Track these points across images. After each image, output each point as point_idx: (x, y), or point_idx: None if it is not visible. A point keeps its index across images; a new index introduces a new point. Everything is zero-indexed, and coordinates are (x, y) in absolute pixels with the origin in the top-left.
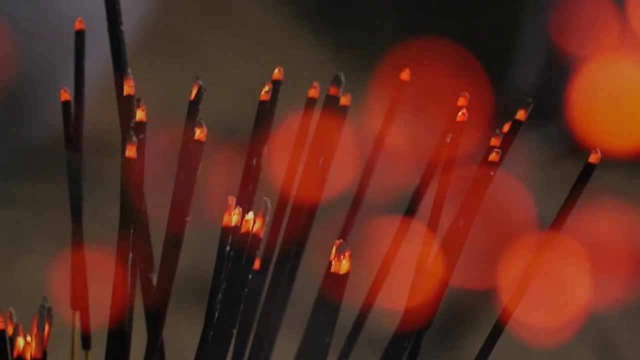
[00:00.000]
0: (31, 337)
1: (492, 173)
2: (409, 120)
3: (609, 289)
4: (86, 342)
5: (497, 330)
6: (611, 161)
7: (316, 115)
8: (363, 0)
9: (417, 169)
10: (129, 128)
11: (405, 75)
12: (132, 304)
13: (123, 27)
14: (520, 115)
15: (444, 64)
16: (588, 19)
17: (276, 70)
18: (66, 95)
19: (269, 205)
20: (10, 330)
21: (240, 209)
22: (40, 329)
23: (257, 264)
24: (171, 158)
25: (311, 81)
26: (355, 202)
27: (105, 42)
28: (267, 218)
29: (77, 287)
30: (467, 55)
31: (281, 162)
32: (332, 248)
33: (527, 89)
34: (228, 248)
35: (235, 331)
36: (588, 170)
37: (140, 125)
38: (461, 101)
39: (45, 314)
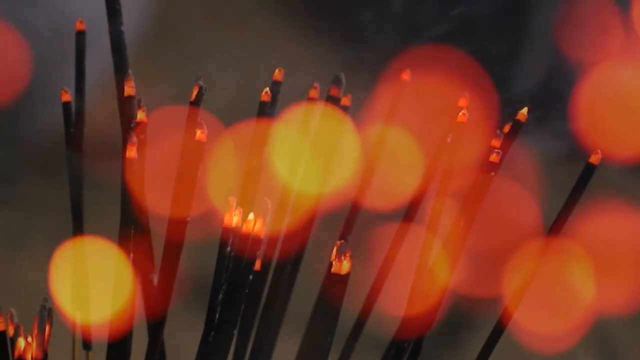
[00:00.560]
0: (32, 338)
1: (492, 174)
2: (411, 123)
3: (612, 293)
4: (87, 343)
5: (498, 331)
6: (616, 165)
7: (317, 115)
8: (365, 1)
9: (419, 170)
10: (130, 128)
11: (406, 75)
12: (134, 304)
13: (123, 28)
14: (521, 115)
15: (446, 67)
16: (593, 23)
17: (276, 70)
18: (67, 95)
19: (269, 205)
20: (11, 331)
21: (241, 209)
22: (41, 330)
23: (257, 265)
24: (172, 158)
25: (312, 82)
26: (356, 202)
27: (106, 43)
28: (268, 218)
29: (78, 287)
30: (470, 58)
31: (282, 162)
32: (333, 249)
33: (531, 92)
34: (229, 249)
35: (236, 332)
36: (589, 170)
37: (141, 126)
38: (461, 102)
39: (46, 314)
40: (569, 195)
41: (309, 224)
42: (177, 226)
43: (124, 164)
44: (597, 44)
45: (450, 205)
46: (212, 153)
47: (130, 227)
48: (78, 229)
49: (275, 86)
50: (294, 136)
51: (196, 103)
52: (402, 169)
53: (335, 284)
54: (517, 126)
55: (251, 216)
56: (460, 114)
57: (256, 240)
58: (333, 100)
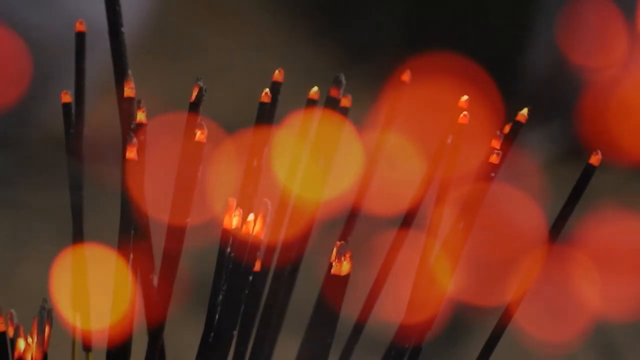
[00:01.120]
0: (32, 338)
1: (492, 174)
2: (413, 125)
3: (614, 296)
4: (87, 344)
5: (498, 332)
6: (619, 168)
7: (317, 116)
8: (367, 3)
9: (420, 173)
10: (130, 130)
11: (405, 77)
12: (133, 306)
13: (123, 29)
14: (521, 117)
15: (449, 69)
16: (596, 27)
17: (276, 71)
18: (67, 97)
19: (269, 206)
20: (11, 332)
21: (241, 210)
22: (41, 331)
23: (257, 266)
24: (172, 159)
25: (312, 83)
26: (356, 204)
27: (107, 44)
28: (268, 219)
29: (78, 288)
30: (472, 61)
31: (282, 163)
32: (333, 249)
33: (533, 94)
34: (229, 250)
35: (235, 333)
36: (588, 172)
37: (141, 127)
38: (462, 103)
39: (46, 315)
40: (569, 197)
41: (308, 226)
42: (177, 228)
43: (124, 165)
44: (601, 48)
45: (451, 207)
46: (212, 154)
47: (130, 229)
48: (78, 231)
49: (276, 87)
50: (294, 139)
51: (196, 104)
52: (402, 172)
53: (335, 285)
54: (517, 127)
55: (251, 217)
56: (461, 115)
57: (256, 241)
58: (333, 101)
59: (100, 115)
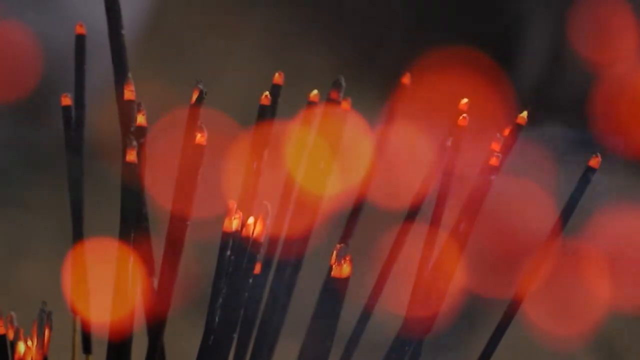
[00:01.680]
0: (32, 341)
1: (493, 177)
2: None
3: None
4: (87, 347)
5: (504, 324)
6: (628, 162)
7: (317, 118)
8: (367, 3)
9: (421, 173)
10: (130, 132)
11: (406, 79)
12: (133, 308)
13: (124, 31)
14: (521, 119)
15: (453, 66)
16: (603, 22)
17: (276, 74)
18: (67, 100)
19: (269, 209)
20: (11, 335)
21: (241, 213)
22: (41, 334)
23: (257, 269)
24: (172, 162)
25: (313, 84)
26: (357, 206)
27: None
28: (268, 222)
29: (78, 291)
30: (475, 57)
31: (282, 165)
32: (333, 252)
33: (535, 89)
34: (229, 252)
35: (235, 336)
36: (588, 174)
37: (141, 130)
38: (462, 106)
39: (45, 318)
40: (568, 199)
41: (309, 228)
42: (177, 230)
43: (124, 168)
44: (610, 43)
45: (452, 208)
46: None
47: (130, 231)
48: (78, 233)
49: (276, 89)
50: (295, 139)
51: (196, 106)
52: (404, 171)
53: (335, 287)
54: (517, 129)
55: (251, 220)
56: (461, 117)
57: (256, 244)
58: (333, 103)
59: (100, 116)
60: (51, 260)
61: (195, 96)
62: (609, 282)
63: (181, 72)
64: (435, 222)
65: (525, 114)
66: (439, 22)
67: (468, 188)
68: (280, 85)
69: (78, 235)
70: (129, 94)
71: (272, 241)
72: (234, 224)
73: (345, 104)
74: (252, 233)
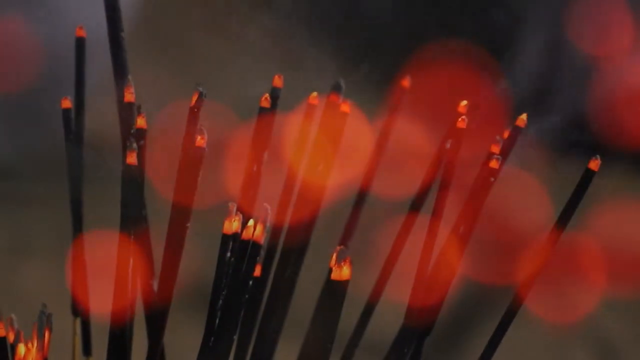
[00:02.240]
0: (32, 343)
1: (492, 179)
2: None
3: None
4: (87, 348)
5: (507, 319)
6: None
7: (317, 121)
8: (366, 4)
9: (422, 174)
10: (130, 135)
11: (405, 82)
12: (133, 310)
13: (123, 34)
14: (520, 121)
15: (453, 65)
16: (600, 18)
17: (276, 77)
18: (67, 102)
19: (269, 211)
20: (11, 337)
21: (241, 215)
22: (41, 336)
23: (257, 271)
24: (172, 164)
25: (313, 86)
26: (356, 207)
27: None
28: (268, 224)
29: (78, 293)
30: (474, 55)
31: (281, 168)
32: (333, 254)
33: (534, 87)
34: (229, 254)
35: (236, 337)
36: (587, 176)
37: (141, 132)
38: (461, 108)
39: (45, 320)
40: (568, 201)
41: (309, 230)
42: (177, 232)
43: (124, 170)
44: (607, 38)
45: (452, 208)
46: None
47: (130, 234)
48: (78, 234)
49: (275, 92)
50: (295, 139)
51: (196, 108)
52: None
53: (335, 290)
54: (516, 132)
55: (251, 222)
56: (460, 119)
57: (256, 246)
58: (333, 106)
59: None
60: (51, 262)
61: (194, 98)
62: (604, 274)
63: (181, 72)
64: (433, 224)
65: (524, 116)
66: (439, 20)
67: (468, 188)
68: (279, 88)
69: (78, 237)
70: (129, 96)
71: (272, 243)
72: (234, 226)
73: (345, 106)
74: (252, 235)
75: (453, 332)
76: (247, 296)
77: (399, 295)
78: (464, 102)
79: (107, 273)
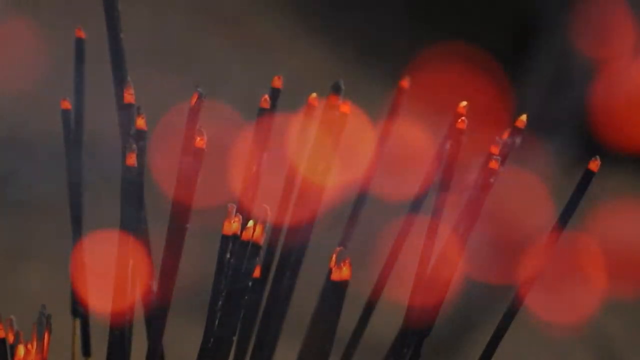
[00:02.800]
0: (32, 344)
1: (492, 180)
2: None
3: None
4: (87, 349)
5: (507, 319)
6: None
7: (317, 121)
8: (369, 5)
9: (422, 175)
10: (129, 136)
11: (405, 83)
12: (133, 311)
13: (122, 35)
14: (520, 122)
15: (456, 67)
16: (606, 23)
17: (275, 78)
18: (66, 103)
19: (268, 212)
20: (11, 338)
21: (240, 216)
22: (40, 337)
23: (257, 272)
24: (171, 165)
25: (313, 88)
26: (356, 209)
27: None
28: (267, 225)
29: (78, 294)
30: (481, 58)
31: (281, 169)
32: (332, 255)
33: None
34: (228, 255)
35: (235, 338)
36: (587, 177)
37: (141, 133)
38: (461, 109)
39: (45, 321)
40: (568, 202)
41: (308, 231)
42: (176, 232)
43: (123, 171)
44: (611, 42)
45: (452, 208)
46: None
47: (129, 235)
48: (77, 237)
49: (275, 93)
50: (294, 143)
51: (195, 110)
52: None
53: (335, 290)
54: (516, 133)
55: (250, 223)
56: (459, 120)
57: (255, 247)
58: (332, 106)
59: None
60: (51, 264)
61: (194, 100)
62: (605, 275)
63: (181, 73)
64: (434, 222)
65: (524, 117)
66: (439, 20)
67: (468, 187)
68: (279, 88)
69: (77, 239)
70: (128, 97)
71: (271, 244)
72: (233, 227)
73: (345, 107)
74: (252, 236)
75: (453, 332)
76: (246, 297)
77: (399, 295)
78: (464, 103)
79: (107, 274)
